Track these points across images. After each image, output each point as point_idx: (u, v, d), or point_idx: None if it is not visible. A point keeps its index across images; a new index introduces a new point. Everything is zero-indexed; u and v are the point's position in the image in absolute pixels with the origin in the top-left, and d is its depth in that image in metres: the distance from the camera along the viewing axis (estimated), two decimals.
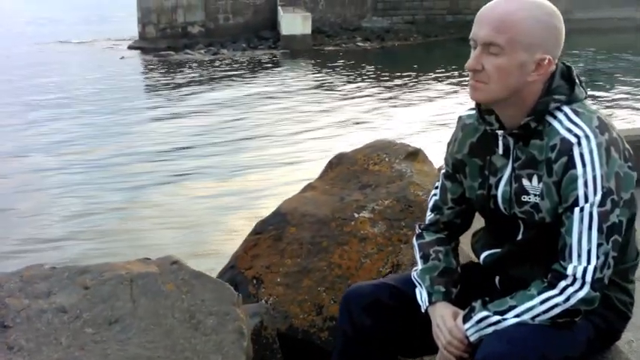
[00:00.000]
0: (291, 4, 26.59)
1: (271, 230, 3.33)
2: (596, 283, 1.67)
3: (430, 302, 1.89)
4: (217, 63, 22.50)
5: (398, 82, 18.35)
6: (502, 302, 1.75)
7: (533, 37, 1.68)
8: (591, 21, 27.38)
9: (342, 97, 16.36)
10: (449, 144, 1.99)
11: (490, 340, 1.71)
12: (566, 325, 1.70)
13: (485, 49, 1.70)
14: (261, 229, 3.36)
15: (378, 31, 27.37)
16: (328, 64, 21.83)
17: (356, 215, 3.29)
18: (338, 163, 3.65)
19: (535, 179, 1.75)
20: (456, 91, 16.39)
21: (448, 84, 17.70)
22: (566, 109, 1.72)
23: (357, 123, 13.28)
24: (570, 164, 1.66)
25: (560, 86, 1.74)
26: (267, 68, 21.65)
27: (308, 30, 25.07)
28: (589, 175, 1.64)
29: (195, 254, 6.69)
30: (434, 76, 18.88)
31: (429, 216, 2.05)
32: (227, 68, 21.42)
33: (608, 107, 14.07)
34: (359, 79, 19.06)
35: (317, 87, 17.85)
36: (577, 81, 1.76)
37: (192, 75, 20.18)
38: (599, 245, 1.66)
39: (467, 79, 1.82)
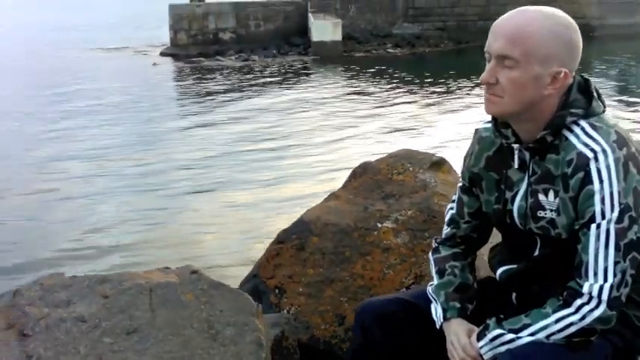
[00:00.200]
0: (322, 10, 26.64)
1: (294, 239, 3.31)
2: (612, 302, 1.63)
3: (445, 318, 1.86)
4: (248, 69, 22.59)
5: (431, 89, 18.22)
6: (517, 320, 1.71)
7: (548, 49, 1.65)
8: (626, 27, 27.01)
9: (376, 104, 16.21)
10: (465, 157, 1.96)
11: None
12: (582, 345, 1.66)
13: (499, 61, 1.67)
14: (284, 238, 3.35)
15: (408, 38, 27.29)
16: (360, 70, 21.75)
17: (379, 225, 3.26)
18: (362, 172, 3.63)
19: (551, 194, 1.71)
20: None
21: (481, 93, 17.49)
22: (583, 123, 1.68)
23: (391, 131, 13.11)
24: (587, 180, 1.63)
25: (577, 100, 1.70)
26: (298, 75, 21.64)
27: (338, 36, 25.08)
28: (606, 191, 1.61)
29: (223, 262, 6.70)
30: (467, 83, 18.72)
31: (446, 230, 2.03)
32: (258, 75, 21.47)
33: None
34: (392, 86, 18.92)
35: (350, 94, 17.73)
36: (595, 94, 1.72)
37: (225, 82, 20.24)
38: (616, 263, 1.62)
39: None
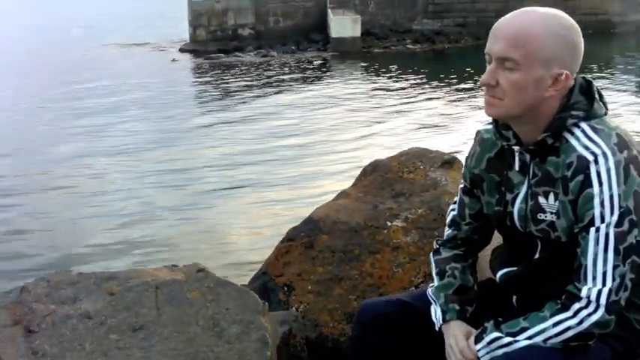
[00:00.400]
0: (341, 6, 26.60)
1: (303, 237, 3.31)
2: (611, 306, 1.61)
3: (444, 320, 1.86)
4: (268, 66, 22.58)
5: (455, 85, 18.05)
6: (515, 323, 1.70)
7: (549, 51, 1.63)
8: None
9: (400, 100, 16.11)
10: (467, 158, 1.95)
11: None
12: (579, 349, 1.64)
13: (500, 63, 1.66)
14: (293, 235, 3.34)
15: (428, 34, 27.16)
16: (380, 66, 21.67)
17: (389, 224, 3.25)
18: (372, 170, 3.61)
19: (552, 197, 1.69)
20: None
21: None
22: (584, 125, 1.66)
23: (418, 128, 13.00)
24: (587, 183, 1.61)
25: (579, 102, 1.68)
26: (318, 71, 21.63)
27: (357, 32, 25.05)
28: (605, 194, 1.59)
29: (241, 259, 6.69)
30: None
31: (447, 231, 2.02)
32: (278, 71, 21.46)
33: None
34: (414, 82, 18.80)
35: (373, 90, 17.67)
36: (597, 96, 1.70)
37: (244, 78, 20.23)
38: (615, 267, 1.60)
39: None
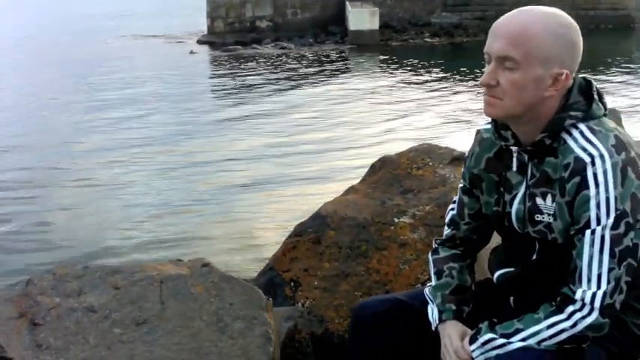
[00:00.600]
0: None
1: (310, 233, 3.31)
2: (605, 309, 1.60)
3: (440, 320, 1.85)
4: (285, 59, 22.49)
5: (475, 80, 17.82)
6: (509, 325, 1.70)
7: (549, 51, 1.62)
8: None
9: (420, 95, 15.86)
10: (466, 158, 1.94)
11: None
12: (573, 352, 1.63)
13: (500, 63, 1.64)
14: (301, 231, 3.35)
15: (446, 27, 27.01)
16: (399, 60, 21.51)
17: (396, 220, 3.24)
18: (381, 166, 3.61)
19: (549, 198, 1.68)
20: None
21: None
22: (582, 126, 1.65)
23: (438, 124, 12.75)
24: (583, 185, 1.59)
25: (578, 102, 1.67)
26: (337, 64, 21.47)
27: (376, 25, 24.95)
28: (602, 196, 1.57)
29: (252, 256, 6.68)
30: None
31: (446, 231, 2.01)
32: (296, 64, 21.33)
33: None
34: (436, 76, 18.59)
35: (392, 84, 17.42)
36: (595, 97, 1.68)
37: (263, 71, 20.09)
38: (610, 270, 1.59)
39: None
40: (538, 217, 1.71)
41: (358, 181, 3.77)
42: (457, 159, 3.53)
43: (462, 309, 1.87)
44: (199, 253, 6.16)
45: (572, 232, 1.64)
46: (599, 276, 1.59)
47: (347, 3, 26.17)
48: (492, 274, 1.92)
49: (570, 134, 1.65)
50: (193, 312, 2.41)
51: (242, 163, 10.37)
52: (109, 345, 2.27)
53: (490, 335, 1.70)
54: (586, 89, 1.70)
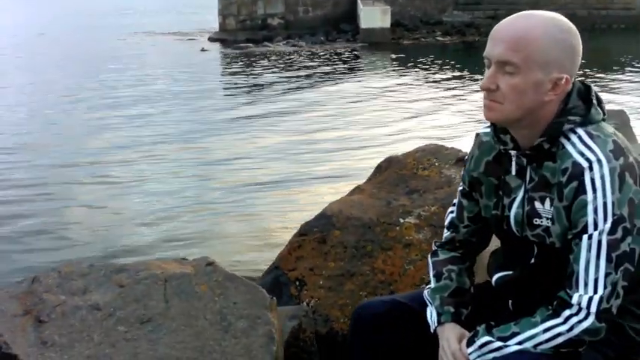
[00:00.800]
0: None
1: (316, 232, 3.32)
2: (601, 314, 1.60)
3: (439, 322, 1.86)
4: (297, 57, 22.43)
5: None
6: (506, 328, 1.70)
7: (549, 55, 1.62)
8: None
9: (435, 94, 15.68)
10: (466, 161, 1.95)
11: None
12: (570, 356, 1.64)
13: (500, 67, 1.65)
14: (306, 230, 3.36)
15: (458, 26, 26.94)
16: (411, 58, 21.40)
17: (401, 220, 3.25)
18: (387, 166, 3.62)
19: (547, 202, 1.69)
20: None
21: None
22: (580, 131, 1.65)
23: (455, 123, 12.57)
24: (581, 189, 1.60)
25: (576, 107, 1.67)
26: (349, 62, 21.38)
27: (387, 23, 24.92)
28: (599, 201, 1.58)
29: (261, 256, 6.68)
30: None
31: (445, 233, 2.02)
32: (308, 62, 21.24)
33: None
34: (449, 75, 18.47)
35: (406, 83, 17.29)
36: (594, 101, 1.68)
37: (275, 70, 20.01)
38: (607, 274, 1.59)
39: None
40: (536, 221, 1.72)
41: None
42: (462, 160, 3.53)
43: (460, 311, 1.88)
44: (210, 252, 6.16)
45: (569, 237, 1.65)
46: (596, 281, 1.60)
47: (358, 1, 26.14)
48: (491, 277, 1.93)
49: (569, 139, 1.66)
50: (197, 311, 2.43)
51: (256, 162, 10.31)
52: (114, 343, 2.29)
53: (487, 338, 1.70)
54: (585, 94, 1.70)
